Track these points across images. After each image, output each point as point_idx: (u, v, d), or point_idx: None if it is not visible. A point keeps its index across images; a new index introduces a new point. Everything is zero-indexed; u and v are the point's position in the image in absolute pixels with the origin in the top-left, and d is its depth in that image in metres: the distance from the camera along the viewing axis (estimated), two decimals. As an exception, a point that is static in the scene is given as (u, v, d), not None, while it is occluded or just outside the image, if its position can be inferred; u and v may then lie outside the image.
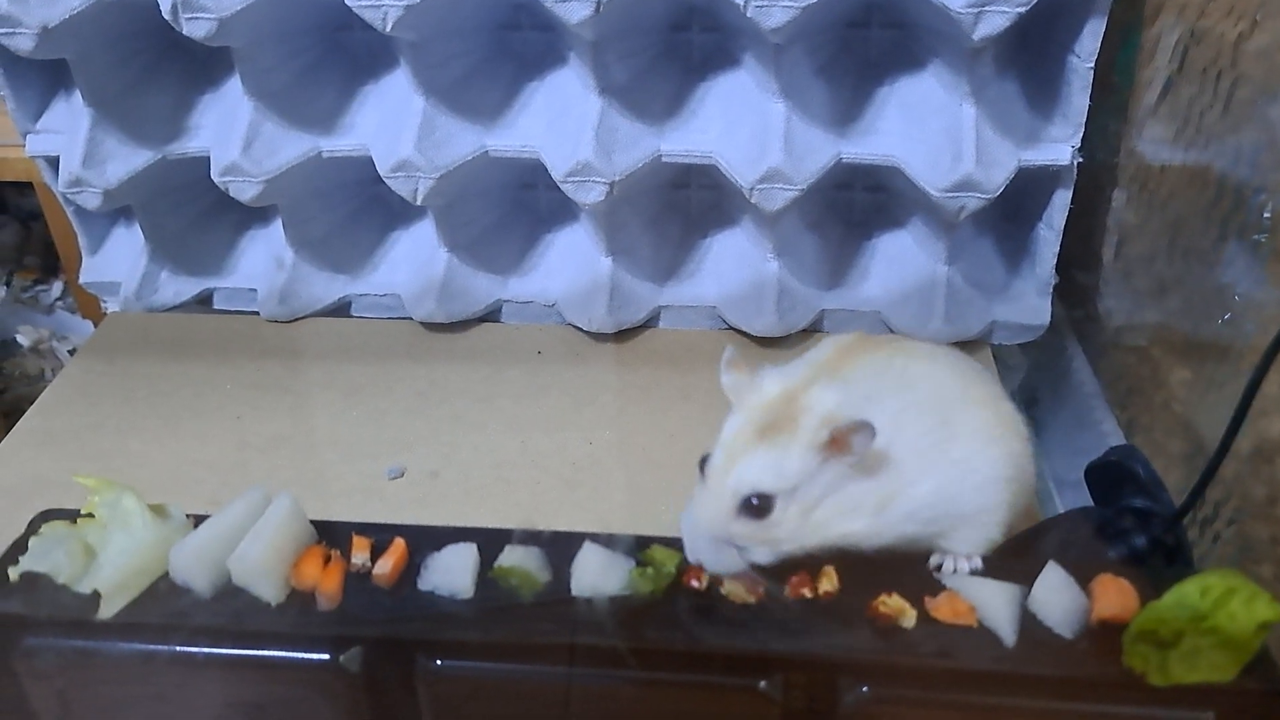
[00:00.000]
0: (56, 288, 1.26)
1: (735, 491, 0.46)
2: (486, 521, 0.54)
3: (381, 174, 0.74)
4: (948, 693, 0.46)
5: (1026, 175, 0.70)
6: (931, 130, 0.71)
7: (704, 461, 0.48)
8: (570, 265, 0.81)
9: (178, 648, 0.49)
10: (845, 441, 0.45)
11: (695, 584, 0.49)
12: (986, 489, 0.49)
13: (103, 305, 0.90)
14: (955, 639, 0.46)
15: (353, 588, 0.50)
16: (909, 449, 0.48)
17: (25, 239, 1.29)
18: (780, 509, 0.46)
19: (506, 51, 0.79)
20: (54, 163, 0.78)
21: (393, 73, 0.77)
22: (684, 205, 0.84)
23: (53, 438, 0.72)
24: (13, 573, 0.51)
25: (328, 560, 0.51)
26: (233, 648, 0.49)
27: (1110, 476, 0.58)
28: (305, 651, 0.48)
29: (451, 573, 0.50)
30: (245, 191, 0.75)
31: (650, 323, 0.82)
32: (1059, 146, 0.71)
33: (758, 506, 0.46)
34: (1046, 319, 0.77)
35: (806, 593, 0.48)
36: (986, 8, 0.63)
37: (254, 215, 0.85)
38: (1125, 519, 0.54)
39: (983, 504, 0.49)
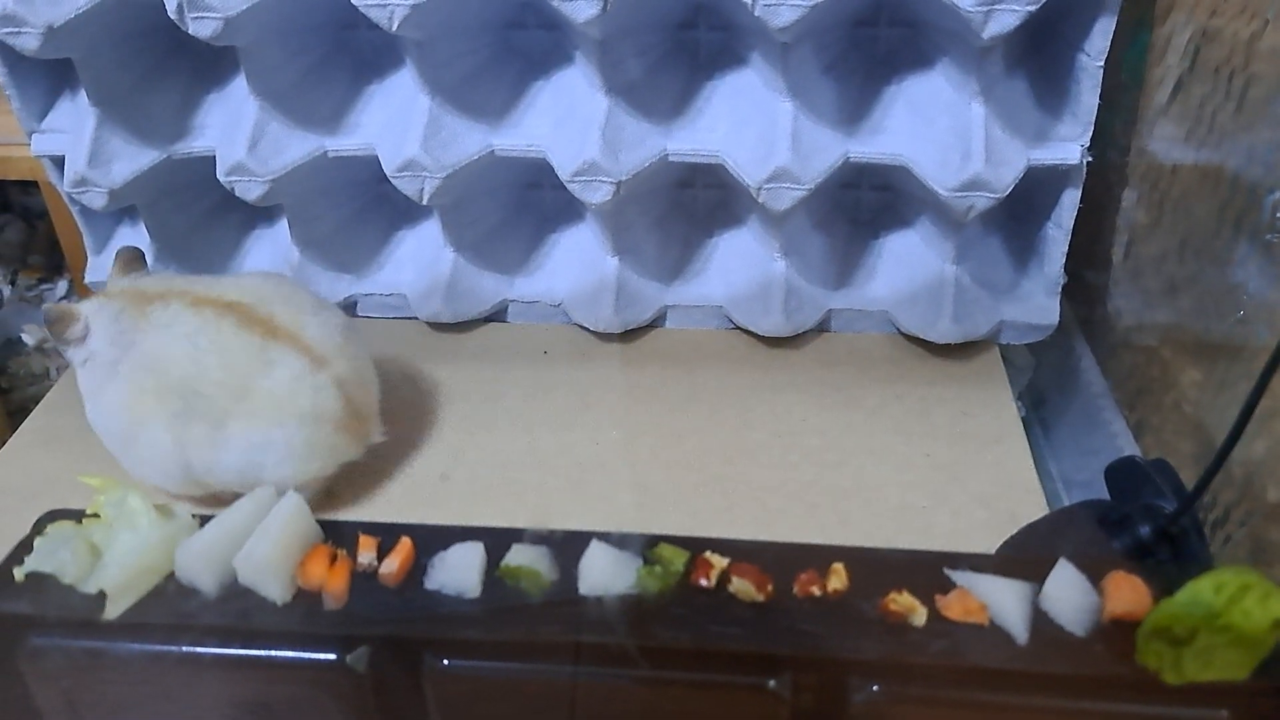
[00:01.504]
0: (61, 286, 1.25)
1: None
2: (494, 522, 0.54)
3: (387, 173, 0.73)
4: (959, 691, 0.45)
5: (1035, 174, 0.70)
6: (940, 129, 0.70)
7: None
8: (576, 265, 0.81)
9: (183, 647, 0.48)
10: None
11: (704, 582, 0.48)
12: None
13: (108, 305, 0.89)
14: (966, 637, 0.46)
15: (359, 587, 0.50)
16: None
17: (30, 238, 1.28)
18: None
19: (513, 50, 0.78)
20: (59, 162, 0.78)
21: (399, 72, 0.76)
22: (690, 205, 0.84)
23: (58, 437, 0.72)
24: (18, 573, 0.50)
25: (334, 559, 0.51)
26: (239, 647, 0.49)
27: (1130, 478, 0.57)
28: (312, 651, 0.48)
29: (458, 572, 0.50)
30: (251, 191, 0.75)
31: (657, 322, 0.82)
32: (1068, 145, 0.70)
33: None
34: (1055, 319, 0.76)
35: (815, 590, 0.48)
36: (996, 6, 0.62)
37: (259, 215, 0.85)
38: (1134, 511, 0.53)
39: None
